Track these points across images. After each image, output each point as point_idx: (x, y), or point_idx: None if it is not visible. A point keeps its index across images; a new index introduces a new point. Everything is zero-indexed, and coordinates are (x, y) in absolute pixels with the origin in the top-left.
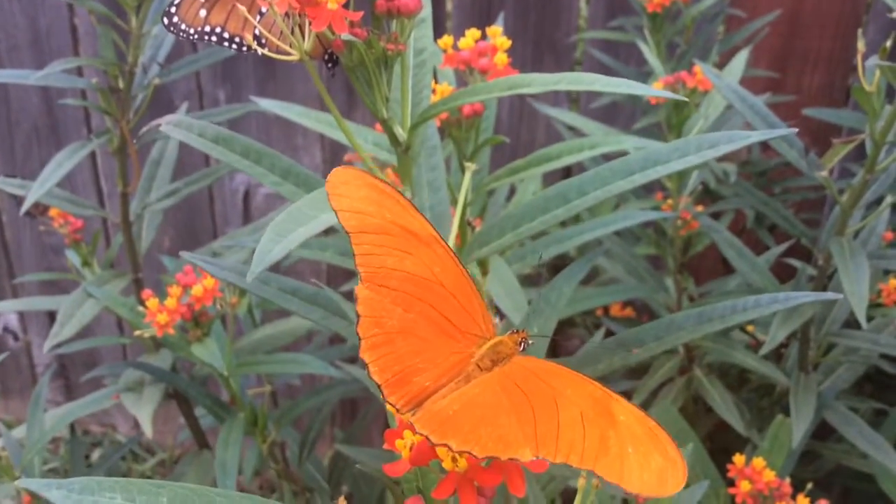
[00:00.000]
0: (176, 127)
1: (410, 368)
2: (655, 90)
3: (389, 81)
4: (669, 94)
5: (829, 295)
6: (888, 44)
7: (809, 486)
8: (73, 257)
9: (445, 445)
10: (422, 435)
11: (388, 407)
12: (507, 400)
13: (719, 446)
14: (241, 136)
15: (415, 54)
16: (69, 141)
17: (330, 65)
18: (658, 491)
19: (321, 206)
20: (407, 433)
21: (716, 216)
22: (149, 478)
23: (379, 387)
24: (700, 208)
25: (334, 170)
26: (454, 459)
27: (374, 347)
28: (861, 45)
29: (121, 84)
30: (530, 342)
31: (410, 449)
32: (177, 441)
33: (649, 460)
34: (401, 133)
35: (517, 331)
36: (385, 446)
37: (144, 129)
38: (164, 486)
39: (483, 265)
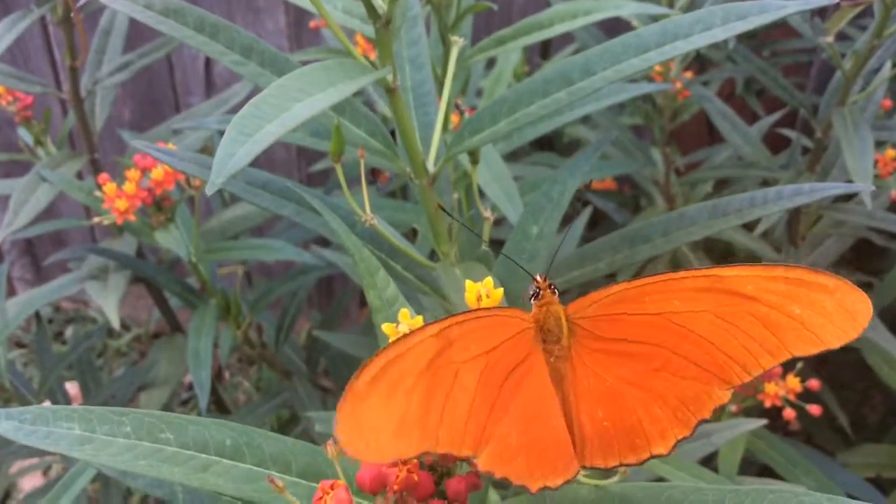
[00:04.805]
0: None
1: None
2: None
3: None
4: None
5: (858, 186)
6: None
7: (799, 365)
8: (25, 136)
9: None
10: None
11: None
12: (645, 368)
13: None
14: (194, 7)
15: None
16: (18, 9)
17: None
18: (857, 327)
19: (293, 95)
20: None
21: (703, 82)
22: (125, 354)
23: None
24: (689, 75)
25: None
26: None
27: (499, 460)
28: None
29: None
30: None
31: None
32: (152, 317)
33: (820, 304)
34: (380, 4)
35: (535, 279)
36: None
37: (81, 1)
38: (126, 413)
39: (473, 154)
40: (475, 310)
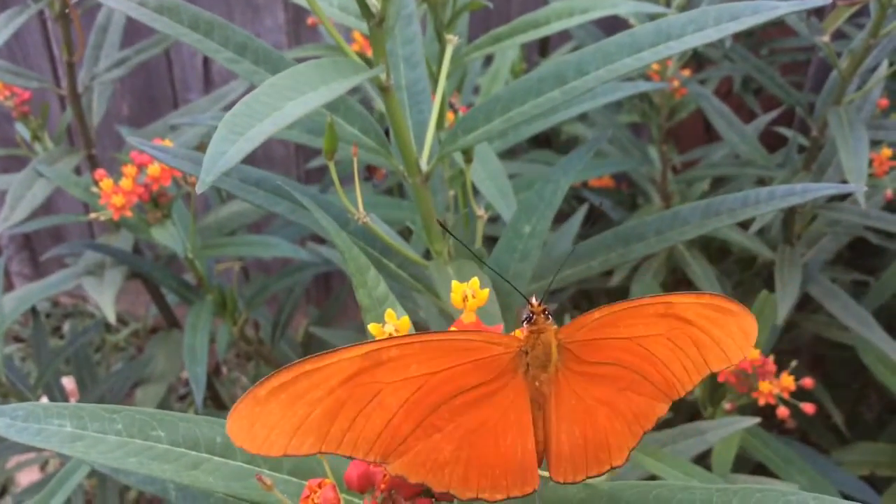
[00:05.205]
0: None
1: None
2: None
3: None
4: None
5: (850, 187)
6: None
7: (793, 363)
8: (22, 131)
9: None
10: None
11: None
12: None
13: None
14: (189, 5)
15: None
16: (16, 4)
17: None
18: (749, 344)
19: (286, 94)
20: None
21: (701, 80)
22: (122, 349)
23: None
24: (687, 73)
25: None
26: None
27: (421, 468)
28: None
29: None
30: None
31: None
32: (150, 312)
33: (729, 327)
34: (373, 2)
35: (529, 304)
36: None
37: None
38: (118, 410)
39: (467, 152)
40: (425, 332)
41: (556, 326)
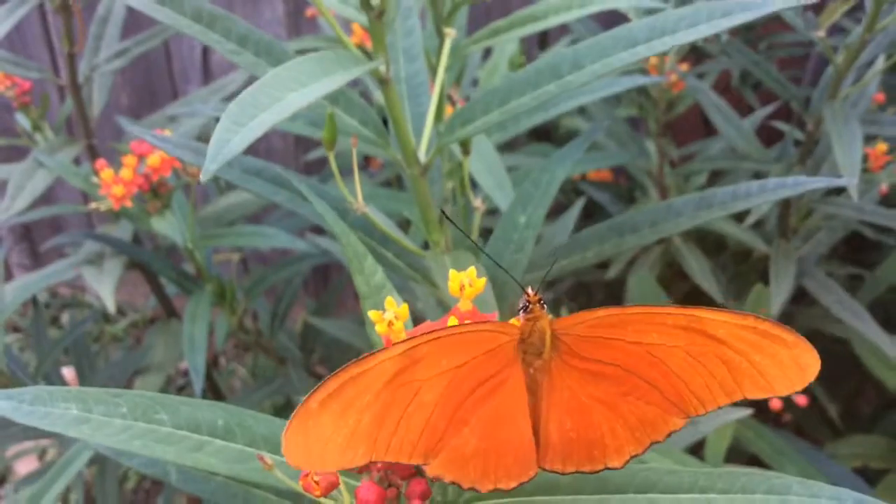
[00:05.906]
0: None
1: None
2: None
3: None
4: None
5: (842, 181)
6: None
7: None
8: (23, 121)
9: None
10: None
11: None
12: (617, 390)
13: None
14: None
15: None
16: None
17: None
18: (804, 379)
19: (288, 85)
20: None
21: (699, 74)
22: (121, 340)
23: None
24: (685, 67)
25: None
26: None
27: (452, 466)
28: None
29: None
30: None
31: None
32: (149, 303)
33: (778, 356)
34: None
35: (526, 293)
36: None
37: None
38: (122, 394)
39: (465, 144)
40: (448, 327)
41: (551, 316)
